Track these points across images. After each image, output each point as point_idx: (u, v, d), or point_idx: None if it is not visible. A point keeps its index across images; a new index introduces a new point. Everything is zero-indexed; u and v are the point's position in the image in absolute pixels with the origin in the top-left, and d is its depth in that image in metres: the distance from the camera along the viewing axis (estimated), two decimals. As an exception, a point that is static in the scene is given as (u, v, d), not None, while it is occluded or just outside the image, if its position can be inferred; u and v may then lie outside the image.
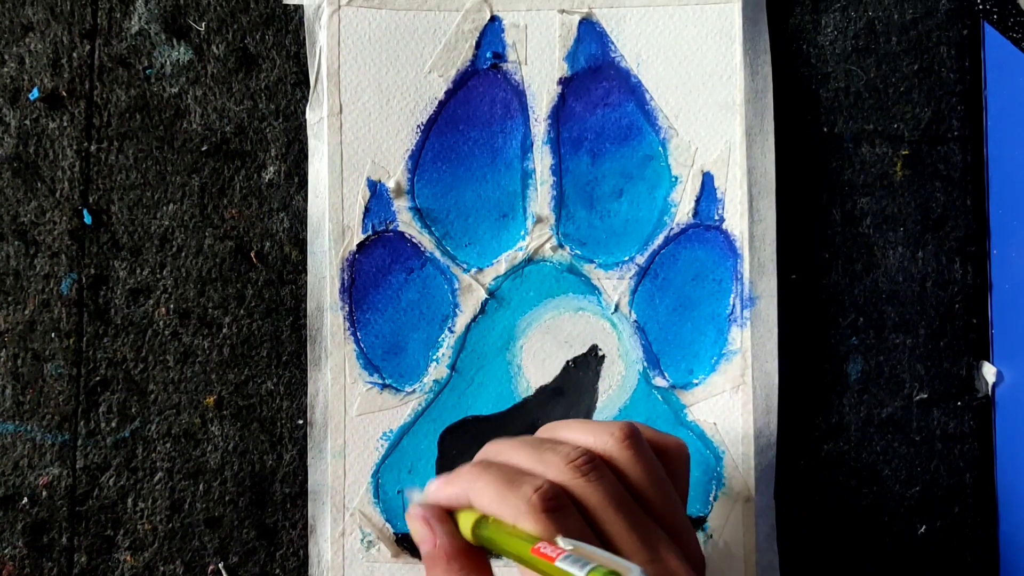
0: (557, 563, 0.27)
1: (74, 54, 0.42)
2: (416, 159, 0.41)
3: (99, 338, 0.41)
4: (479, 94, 0.42)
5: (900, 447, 0.42)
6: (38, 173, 0.42)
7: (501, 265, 0.41)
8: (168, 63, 0.42)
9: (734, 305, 0.41)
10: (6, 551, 0.41)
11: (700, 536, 0.41)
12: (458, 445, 0.41)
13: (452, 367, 0.41)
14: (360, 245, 0.41)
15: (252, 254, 0.42)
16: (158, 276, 0.42)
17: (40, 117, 0.42)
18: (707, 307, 0.41)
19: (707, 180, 0.41)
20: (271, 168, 0.42)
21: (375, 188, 0.41)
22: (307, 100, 0.42)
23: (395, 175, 0.41)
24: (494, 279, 0.41)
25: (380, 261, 0.41)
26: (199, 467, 0.41)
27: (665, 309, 0.41)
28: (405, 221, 0.41)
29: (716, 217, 0.41)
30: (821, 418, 0.42)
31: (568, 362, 0.41)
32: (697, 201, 0.41)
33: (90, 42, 0.42)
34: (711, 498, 0.41)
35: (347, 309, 0.41)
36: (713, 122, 0.41)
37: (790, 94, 0.42)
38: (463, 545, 0.32)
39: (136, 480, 0.41)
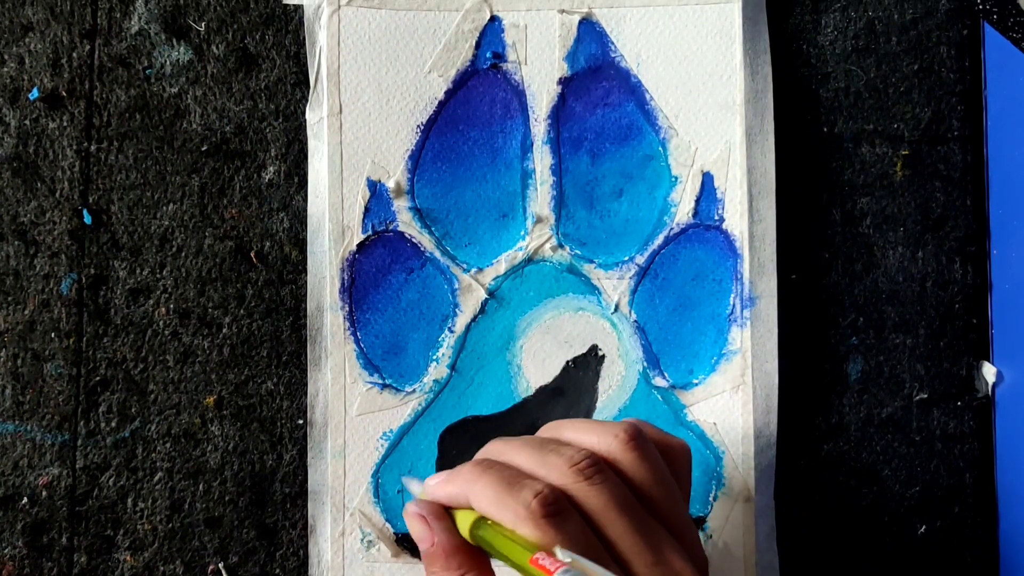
0: None
1: (74, 54, 0.42)
2: (416, 159, 0.41)
3: (99, 338, 0.41)
4: (479, 94, 0.42)
5: (900, 447, 0.42)
6: (38, 173, 0.42)
7: (501, 265, 0.41)
8: (168, 63, 0.42)
9: (734, 305, 0.41)
10: (6, 551, 0.41)
11: (700, 536, 0.41)
12: (458, 445, 0.41)
13: (452, 367, 0.41)
14: (360, 245, 0.41)
15: (252, 254, 0.42)
16: (158, 276, 0.42)
17: (40, 117, 0.42)
18: (707, 307, 0.41)
19: (707, 180, 0.41)
20: (271, 168, 0.42)
21: (375, 188, 0.41)
22: (307, 100, 0.42)
23: (395, 175, 0.41)
24: (494, 279, 0.41)
25: (380, 261, 0.41)
26: (199, 467, 0.41)
27: (665, 309, 0.41)
28: (405, 221, 0.41)
29: (716, 217, 0.41)
30: (821, 418, 0.42)
31: (568, 362, 0.41)
32: (697, 201, 0.41)
33: (90, 42, 0.42)
34: (711, 498, 0.41)
35: (347, 309, 0.41)
36: (713, 122, 0.41)
37: (790, 94, 0.42)
38: (461, 543, 0.31)
39: (136, 480, 0.41)
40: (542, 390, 0.41)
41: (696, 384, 0.41)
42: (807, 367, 0.42)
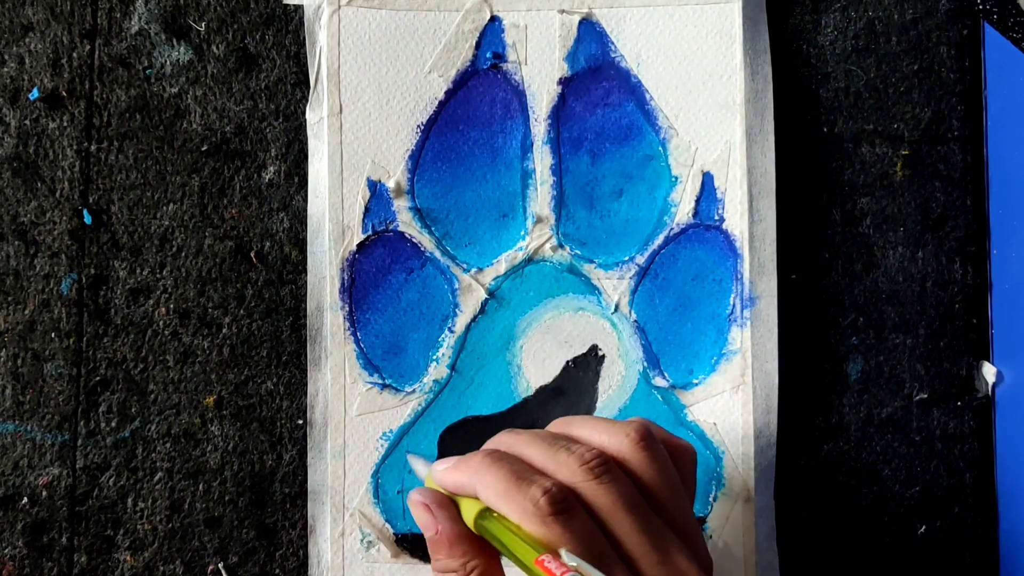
0: None
1: (74, 54, 0.42)
2: (416, 159, 0.41)
3: (99, 338, 0.41)
4: (479, 94, 0.42)
5: (900, 447, 0.42)
6: (38, 173, 0.42)
7: (501, 265, 0.41)
8: (168, 63, 0.42)
9: (734, 305, 0.41)
10: (6, 551, 0.41)
11: (700, 536, 0.41)
12: (458, 445, 0.41)
13: (452, 367, 0.41)
14: (360, 245, 0.41)
15: (252, 254, 0.42)
16: (158, 276, 0.42)
17: (40, 117, 0.42)
18: (707, 307, 0.41)
19: (707, 180, 0.41)
20: (271, 168, 0.42)
21: (375, 188, 0.41)
22: (307, 100, 0.42)
23: (395, 175, 0.41)
24: (494, 279, 0.41)
25: (380, 261, 0.41)
26: (199, 467, 0.41)
27: (665, 309, 0.41)
28: (405, 221, 0.41)
29: (716, 217, 0.41)
30: (821, 418, 0.42)
31: (568, 362, 0.41)
32: (697, 201, 0.41)
33: (90, 42, 0.42)
34: (711, 498, 0.41)
35: (347, 309, 0.41)
36: (713, 122, 0.41)
37: (790, 94, 0.42)
38: (465, 532, 0.32)
39: (136, 480, 0.41)
40: (542, 390, 0.41)
41: (696, 384, 0.41)
42: (807, 367, 0.42)
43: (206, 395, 0.41)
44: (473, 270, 0.41)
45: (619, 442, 0.32)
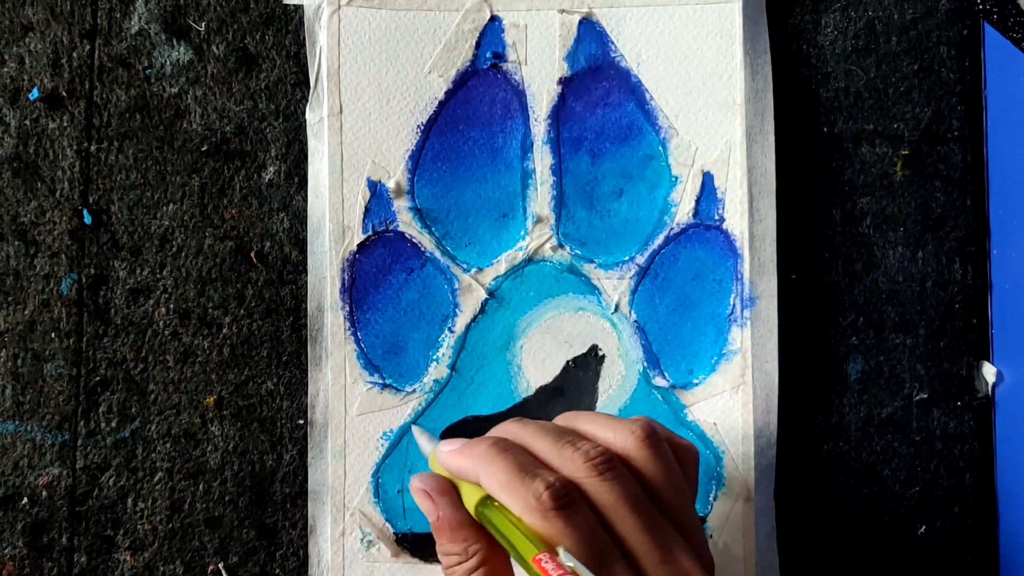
0: None
1: (74, 54, 0.42)
2: (416, 159, 0.41)
3: (99, 338, 0.41)
4: (479, 94, 0.42)
5: (900, 447, 0.42)
6: (38, 173, 0.42)
7: (501, 265, 0.41)
8: (168, 63, 0.42)
9: (734, 305, 0.41)
10: (6, 551, 0.41)
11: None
12: (458, 445, 0.41)
13: (452, 367, 0.41)
14: (360, 245, 0.41)
15: (252, 254, 0.42)
16: (158, 276, 0.42)
17: (40, 117, 0.42)
18: (707, 307, 0.41)
19: (707, 180, 0.41)
20: (271, 168, 0.42)
21: (375, 188, 0.41)
22: (307, 100, 0.42)
23: (395, 175, 0.41)
24: (494, 279, 0.41)
25: (380, 261, 0.41)
26: (199, 467, 0.41)
27: (665, 309, 0.41)
28: (405, 221, 0.41)
29: (716, 217, 0.41)
30: (821, 418, 0.42)
31: (568, 362, 0.41)
32: (697, 201, 0.41)
33: (90, 42, 0.42)
34: (711, 498, 0.41)
35: (347, 309, 0.41)
36: (713, 122, 0.41)
37: (790, 94, 0.42)
38: (466, 518, 0.32)
39: (136, 480, 0.41)
40: (542, 390, 0.41)
41: (696, 384, 0.41)
42: (807, 367, 0.42)
43: (206, 395, 0.41)
44: (473, 270, 0.41)
45: (624, 439, 0.32)
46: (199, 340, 0.42)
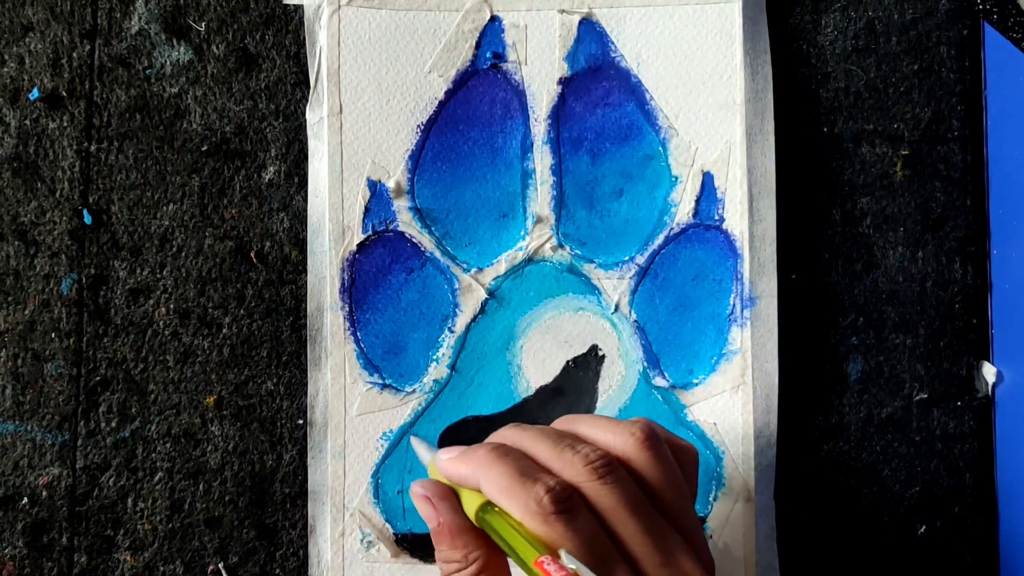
0: None
1: (74, 54, 0.42)
2: (416, 159, 0.41)
3: (99, 338, 0.41)
4: (479, 94, 0.42)
5: (900, 447, 0.42)
6: (38, 173, 0.42)
7: (501, 265, 0.41)
8: (168, 63, 0.42)
9: (734, 305, 0.41)
10: (6, 551, 0.41)
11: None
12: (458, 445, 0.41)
13: (452, 367, 0.41)
14: (360, 245, 0.41)
15: (252, 254, 0.42)
16: (158, 276, 0.42)
17: (40, 117, 0.42)
18: (707, 307, 0.41)
19: (707, 180, 0.41)
20: (271, 168, 0.42)
21: (375, 188, 0.41)
22: (307, 100, 0.42)
23: (395, 175, 0.41)
24: (494, 279, 0.41)
25: (380, 261, 0.41)
26: (199, 467, 0.41)
27: (665, 309, 0.41)
28: (405, 221, 0.41)
29: (716, 217, 0.41)
30: (821, 418, 0.42)
31: (568, 362, 0.41)
32: (697, 201, 0.41)
33: (90, 42, 0.42)
34: (711, 498, 0.41)
35: (347, 309, 0.41)
36: (713, 122, 0.41)
37: (790, 94, 0.42)
38: (467, 524, 0.32)
39: (136, 480, 0.41)
40: (542, 390, 0.41)
41: (696, 384, 0.41)
42: (807, 367, 0.42)
43: (206, 395, 0.41)
44: (473, 270, 0.41)
45: (624, 441, 0.32)
46: (199, 340, 0.42)
